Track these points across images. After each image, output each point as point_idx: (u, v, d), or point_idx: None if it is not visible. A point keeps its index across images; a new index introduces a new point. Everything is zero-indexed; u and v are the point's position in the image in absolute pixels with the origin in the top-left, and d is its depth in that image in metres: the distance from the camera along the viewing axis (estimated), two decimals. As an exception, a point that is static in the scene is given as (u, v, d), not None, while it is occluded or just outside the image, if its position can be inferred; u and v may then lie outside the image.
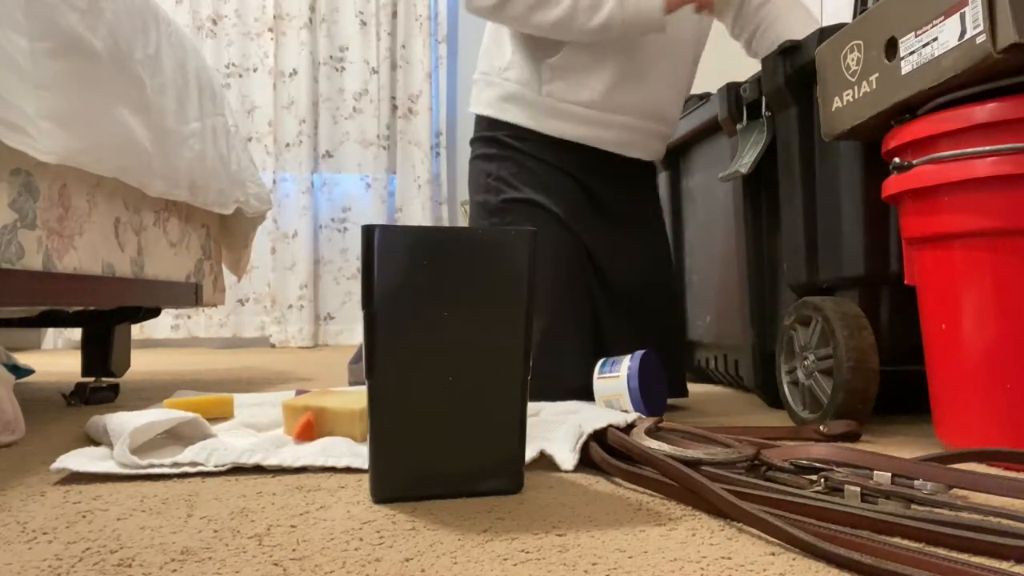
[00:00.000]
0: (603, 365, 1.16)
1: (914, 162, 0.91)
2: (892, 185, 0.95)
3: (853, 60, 1.00)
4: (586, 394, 1.21)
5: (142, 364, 2.49)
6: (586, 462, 0.83)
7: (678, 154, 1.81)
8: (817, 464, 0.75)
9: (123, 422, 0.88)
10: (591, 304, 1.32)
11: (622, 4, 1.18)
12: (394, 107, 3.65)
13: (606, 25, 1.20)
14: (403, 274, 0.68)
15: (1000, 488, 0.65)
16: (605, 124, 1.34)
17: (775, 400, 1.36)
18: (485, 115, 1.39)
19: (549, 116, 1.34)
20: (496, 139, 1.38)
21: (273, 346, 3.53)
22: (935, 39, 0.85)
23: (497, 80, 1.37)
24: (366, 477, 0.81)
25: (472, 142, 1.43)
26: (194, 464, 0.82)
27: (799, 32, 1.40)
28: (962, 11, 0.81)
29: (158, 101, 1.42)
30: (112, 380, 1.56)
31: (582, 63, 1.31)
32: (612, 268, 1.36)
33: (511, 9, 1.24)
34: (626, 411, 1.09)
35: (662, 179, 1.86)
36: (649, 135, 1.39)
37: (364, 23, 3.64)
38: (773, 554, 0.55)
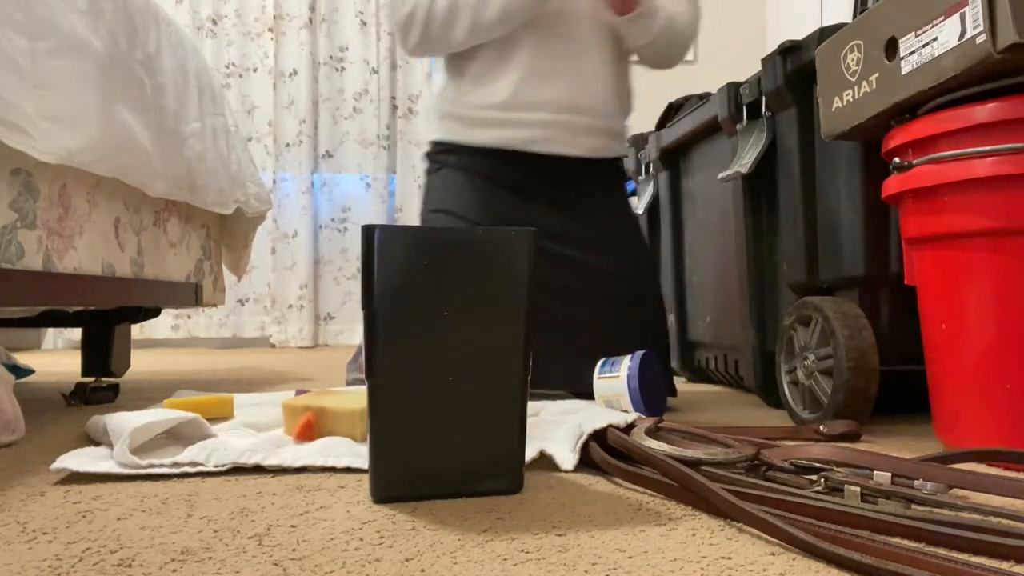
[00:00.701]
0: (603, 365, 1.16)
1: (914, 162, 0.91)
2: (892, 185, 0.95)
3: (853, 60, 1.00)
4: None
5: (142, 364, 2.49)
6: (586, 462, 0.83)
7: (678, 154, 1.81)
8: (817, 464, 0.75)
9: (123, 422, 0.88)
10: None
11: None
12: (394, 107, 3.65)
13: (505, 10, 1.23)
14: (403, 274, 0.68)
15: (1000, 488, 0.65)
16: (517, 123, 1.35)
17: (775, 400, 1.36)
18: (429, 140, 1.48)
19: (469, 126, 1.38)
20: (430, 156, 1.45)
21: (273, 346, 3.53)
22: (935, 39, 0.85)
23: (434, 104, 1.45)
24: (366, 477, 0.81)
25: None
26: (194, 464, 0.82)
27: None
28: (962, 11, 0.81)
29: (158, 101, 1.42)
30: (112, 380, 1.56)
31: (493, 67, 1.35)
32: (566, 269, 1.35)
33: (432, 36, 1.28)
34: (626, 411, 1.09)
35: (662, 179, 1.86)
36: (571, 129, 1.37)
37: (364, 23, 3.64)
38: (773, 554, 0.55)
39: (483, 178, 1.37)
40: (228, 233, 1.98)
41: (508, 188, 1.37)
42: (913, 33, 0.88)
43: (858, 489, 0.66)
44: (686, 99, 2.19)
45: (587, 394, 1.27)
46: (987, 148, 0.83)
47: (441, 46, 1.31)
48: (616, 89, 1.42)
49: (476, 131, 1.37)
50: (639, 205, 2.00)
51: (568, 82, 1.35)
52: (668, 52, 1.37)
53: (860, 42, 0.99)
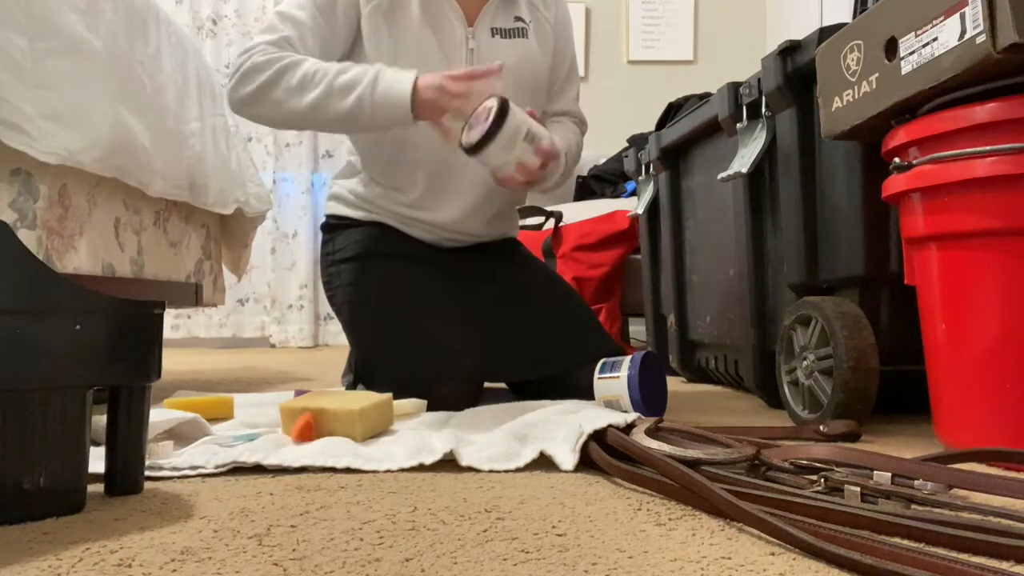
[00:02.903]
0: (603, 366, 1.16)
1: (914, 162, 0.91)
2: (892, 185, 0.95)
3: (853, 60, 1.00)
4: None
5: (142, 364, 2.48)
6: (586, 462, 0.83)
7: (678, 154, 1.81)
8: (817, 464, 0.75)
9: (123, 422, 0.87)
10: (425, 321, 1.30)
11: (374, 85, 1.14)
12: (394, 107, 3.65)
13: (356, 106, 1.15)
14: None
15: (1000, 488, 0.65)
16: (418, 223, 1.36)
17: (775, 400, 1.36)
18: (325, 217, 1.47)
19: (365, 212, 1.39)
20: (327, 226, 1.45)
21: (273, 346, 3.53)
22: (935, 39, 0.85)
23: (333, 183, 1.46)
24: (366, 477, 0.81)
25: None
26: (194, 467, 0.82)
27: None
28: (962, 11, 0.81)
29: (158, 101, 1.42)
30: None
31: (398, 180, 1.34)
32: (491, 289, 1.37)
33: (268, 98, 1.19)
34: (626, 411, 1.09)
35: (662, 179, 1.86)
36: (457, 241, 1.40)
37: (364, 23, 3.63)
38: (773, 554, 0.55)
39: (392, 230, 1.38)
40: (228, 233, 1.98)
41: (417, 245, 1.38)
42: (913, 33, 0.88)
43: (858, 489, 0.66)
44: (686, 99, 2.19)
45: (529, 383, 1.36)
46: (987, 148, 0.83)
47: (274, 112, 1.21)
48: (501, 210, 1.42)
49: (374, 216, 1.38)
50: (639, 205, 2.00)
51: (452, 210, 1.35)
52: (555, 183, 1.31)
53: (860, 42, 0.99)
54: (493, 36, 1.32)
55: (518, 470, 0.84)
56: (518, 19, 1.35)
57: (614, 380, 1.13)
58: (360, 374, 1.35)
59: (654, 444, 0.77)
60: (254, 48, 1.22)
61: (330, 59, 1.25)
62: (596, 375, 1.16)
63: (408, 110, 1.13)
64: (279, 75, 1.18)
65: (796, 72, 1.24)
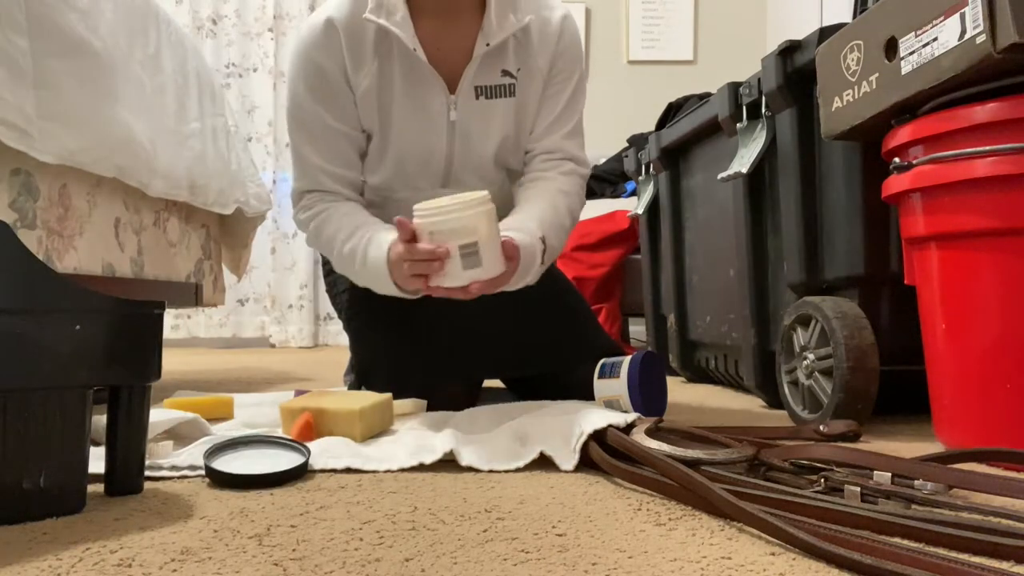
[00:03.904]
0: (603, 366, 1.16)
1: (914, 162, 0.91)
2: (892, 185, 0.95)
3: (853, 60, 1.00)
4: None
5: (142, 364, 2.48)
6: (586, 462, 0.83)
7: (678, 154, 1.81)
8: (817, 464, 0.75)
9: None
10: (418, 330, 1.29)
11: (364, 257, 1.12)
12: (394, 107, 3.65)
13: (362, 272, 1.14)
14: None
15: (1000, 488, 0.65)
16: None
17: (775, 400, 1.36)
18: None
19: None
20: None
21: (273, 346, 3.53)
22: (935, 39, 0.85)
23: None
24: (366, 477, 0.81)
25: None
26: (194, 467, 0.82)
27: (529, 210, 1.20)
28: (962, 11, 0.81)
29: (158, 101, 1.42)
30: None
31: (386, 213, 1.29)
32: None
33: (312, 243, 1.23)
34: (626, 411, 1.09)
35: (662, 179, 1.86)
36: None
37: (364, 23, 3.63)
38: (773, 554, 0.55)
39: None
40: (228, 233, 1.97)
41: None
42: (913, 33, 0.88)
43: (858, 489, 0.66)
44: (686, 99, 2.19)
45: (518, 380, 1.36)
46: (987, 148, 0.83)
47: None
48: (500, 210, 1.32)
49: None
50: (639, 205, 2.00)
51: None
52: (541, 266, 1.20)
53: (860, 42, 0.99)
54: (478, 97, 1.21)
55: (518, 470, 0.84)
56: (505, 73, 1.22)
57: (614, 380, 1.13)
58: (361, 374, 1.35)
59: (654, 444, 0.77)
60: (295, 203, 1.25)
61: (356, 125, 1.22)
62: (596, 375, 1.16)
63: (390, 280, 1.09)
64: (314, 236, 1.22)
65: (796, 72, 1.24)
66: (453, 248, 0.96)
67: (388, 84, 1.20)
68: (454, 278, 0.98)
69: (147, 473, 0.80)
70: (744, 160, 1.36)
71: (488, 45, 1.17)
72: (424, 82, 1.19)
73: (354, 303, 1.34)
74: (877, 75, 0.96)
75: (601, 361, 1.18)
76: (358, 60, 1.18)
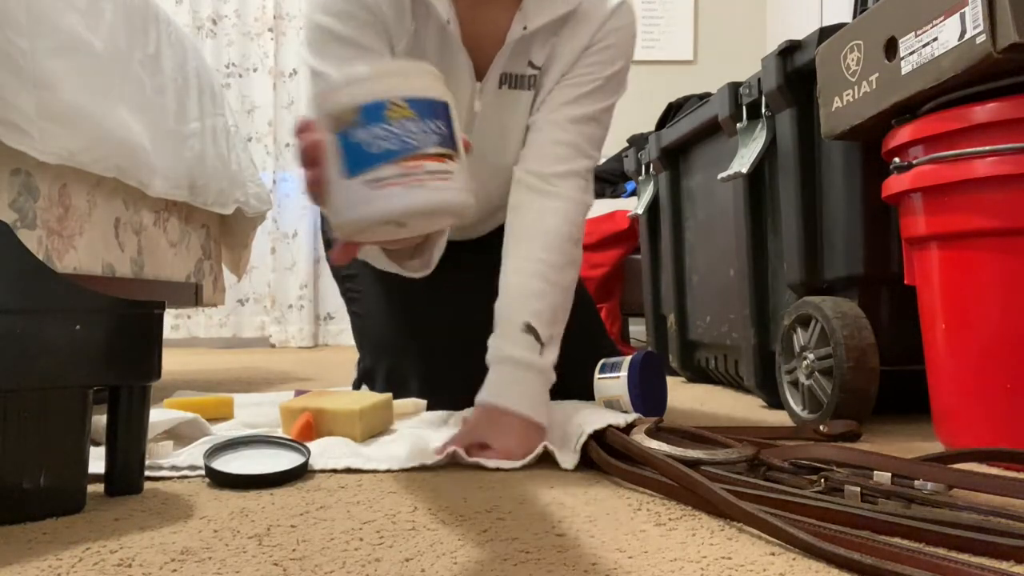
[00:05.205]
0: (603, 366, 1.16)
1: (914, 162, 0.91)
2: (892, 185, 0.95)
3: (853, 60, 1.00)
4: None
5: (142, 364, 2.48)
6: (586, 462, 0.83)
7: (678, 154, 1.81)
8: (817, 464, 0.75)
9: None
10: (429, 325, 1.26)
11: None
12: (394, 107, 3.65)
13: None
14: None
15: (1000, 488, 0.65)
16: None
17: (775, 400, 1.36)
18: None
19: None
20: (328, 241, 1.38)
21: (273, 346, 3.53)
22: (935, 39, 0.85)
23: None
24: (366, 477, 0.81)
25: None
26: (194, 467, 0.82)
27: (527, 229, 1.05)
28: (962, 11, 0.81)
29: (158, 101, 1.42)
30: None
31: None
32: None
33: None
34: (626, 411, 1.09)
35: (662, 179, 1.86)
36: (458, 235, 1.31)
37: (364, 23, 3.64)
38: (773, 554, 0.55)
39: None
40: (228, 233, 1.97)
41: None
42: (913, 33, 0.88)
43: (858, 489, 0.66)
44: (686, 99, 2.19)
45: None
46: (987, 148, 0.83)
47: None
48: (501, 204, 1.17)
49: None
50: (639, 205, 1.99)
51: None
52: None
53: (860, 42, 0.99)
54: (501, 86, 1.09)
55: (519, 469, 0.83)
56: (531, 64, 1.09)
57: (614, 380, 1.13)
58: (363, 374, 1.35)
59: (654, 444, 0.77)
60: None
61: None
62: (596, 375, 1.16)
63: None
64: None
65: (796, 72, 1.24)
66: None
67: (420, 55, 1.05)
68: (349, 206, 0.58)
69: (147, 473, 0.80)
70: (744, 160, 1.36)
71: (525, 29, 1.04)
72: (453, 63, 1.06)
73: (357, 302, 1.34)
74: (877, 75, 0.96)
75: (601, 361, 1.18)
76: (398, 14, 1.03)
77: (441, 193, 0.57)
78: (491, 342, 0.95)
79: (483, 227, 1.36)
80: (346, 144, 0.57)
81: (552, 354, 0.95)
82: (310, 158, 0.61)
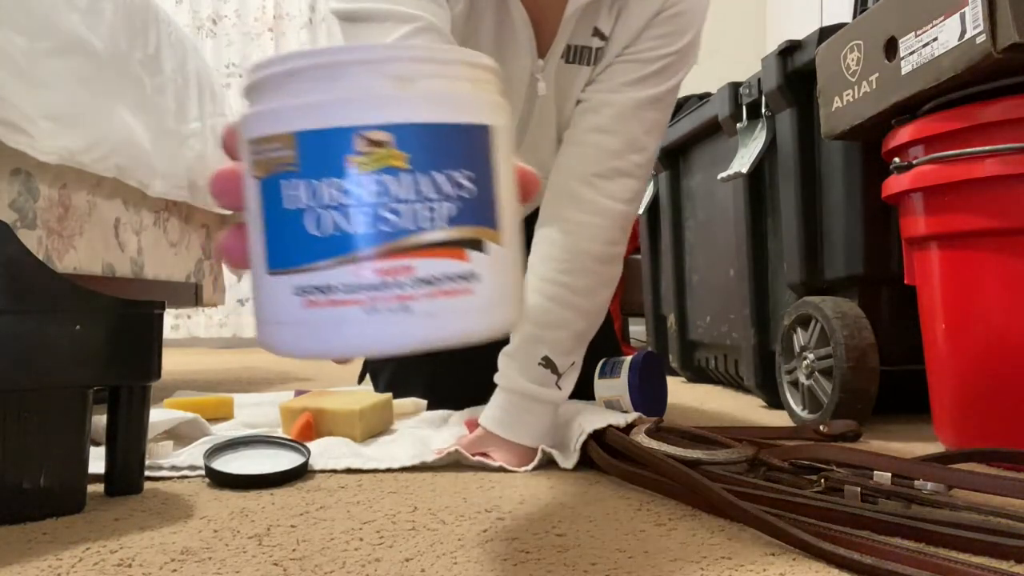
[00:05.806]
0: (603, 366, 1.16)
1: (914, 162, 0.91)
2: (892, 185, 0.95)
3: (853, 60, 1.00)
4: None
5: (142, 364, 2.48)
6: (586, 462, 0.83)
7: (678, 154, 1.81)
8: (817, 464, 0.75)
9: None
10: None
11: None
12: (394, 107, 3.65)
13: None
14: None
15: (1000, 488, 0.65)
16: None
17: (775, 400, 1.36)
18: None
19: None
20: None
21: (273, 346, 3.53)
22: (935, 39, 0.85)
23: None
24: (366, 477, 0.81)
25: None
26: (194, 467, 0.82)
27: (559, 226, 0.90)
28: (962, 11, 0.81)
29: (158, 101, 1.42)
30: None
31: None
32: None
33: None
34: (626, 411, 1.09)
35: (662, 179, 1.86)
36: None
37: (364, 23, 3.63)
38: (773, 554, 0.55)
39: None
40: (228, 233, 1.97)
41: None
42: (913, 33, 0.88)
43: (858, 489, 0.66)
44: (686, 99, 2.19)
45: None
46: (988, 148, 0.83)
47: None
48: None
49: None
50: (639, 205, 1.99)
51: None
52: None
53: (860, 42, 0.99)
54: (567, 60, 0.94)
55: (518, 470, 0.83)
56: (597, 32, 0.94)
57: (614, 380, 1.13)
58: (364, 373, 1.35)
59: (654, 444, 0.76)
60: None
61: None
62: (596, 375, 1.16)
63: None
64: None
65: (796, 72, 1.24)
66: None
67: (476, 24, 0.91)
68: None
69: (147, 473, 0.80)
70: (744, 160, 1.36)
71: None
72: (513, 37, 0.92)
73: None
74: (877, 75, 0.96)
75: (601, 361, 1.18)
76: None
77: (444, 322, 0.30)
78: (504, 362, 0.86)
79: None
80: (271, 207, 0.30)
81: (570, 382, 0.87)
82: (227, 202, 0.34)
